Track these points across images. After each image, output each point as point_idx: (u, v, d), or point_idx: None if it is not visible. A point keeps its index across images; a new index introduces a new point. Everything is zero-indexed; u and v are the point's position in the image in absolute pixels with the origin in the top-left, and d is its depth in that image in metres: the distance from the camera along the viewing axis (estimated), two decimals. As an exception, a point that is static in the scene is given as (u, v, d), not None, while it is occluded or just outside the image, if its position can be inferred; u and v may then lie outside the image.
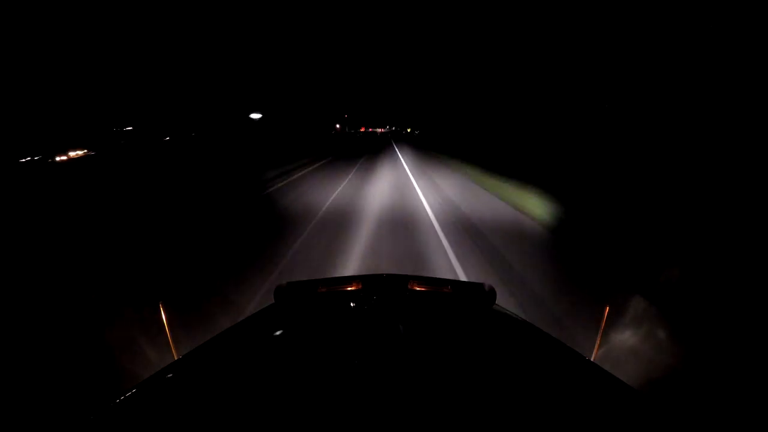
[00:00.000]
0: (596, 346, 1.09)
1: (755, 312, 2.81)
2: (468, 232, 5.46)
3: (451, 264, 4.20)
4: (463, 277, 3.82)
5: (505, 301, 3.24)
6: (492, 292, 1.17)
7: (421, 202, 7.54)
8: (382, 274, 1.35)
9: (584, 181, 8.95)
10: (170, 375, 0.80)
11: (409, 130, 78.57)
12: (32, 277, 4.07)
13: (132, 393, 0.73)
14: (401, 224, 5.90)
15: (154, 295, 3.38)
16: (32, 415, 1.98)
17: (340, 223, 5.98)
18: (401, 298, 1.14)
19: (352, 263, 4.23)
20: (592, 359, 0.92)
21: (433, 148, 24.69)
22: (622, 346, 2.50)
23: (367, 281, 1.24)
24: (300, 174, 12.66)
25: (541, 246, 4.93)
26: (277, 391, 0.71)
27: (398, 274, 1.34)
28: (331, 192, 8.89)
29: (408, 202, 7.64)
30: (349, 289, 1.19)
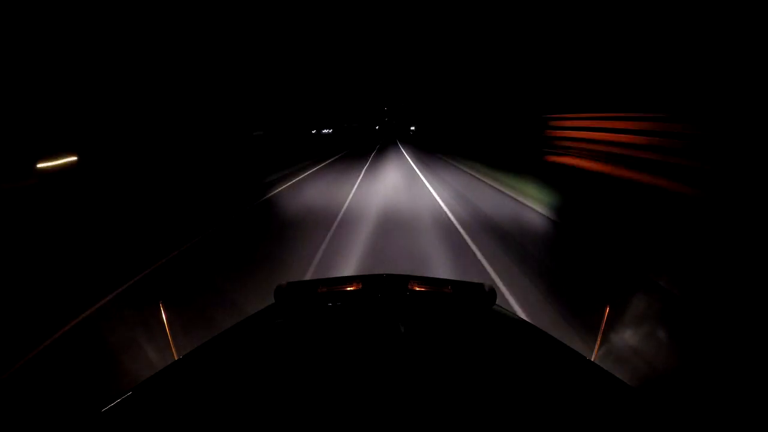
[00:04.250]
0: (596, 346, 1.09)
1: (755, 311, 2.80)
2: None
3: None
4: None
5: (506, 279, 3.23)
6: (492, 293, 1.17)
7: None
8: (383, 274, 1.34)
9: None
10: (170, 375, 0.81)
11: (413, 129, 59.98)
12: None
13: (132, 393, 0.73)
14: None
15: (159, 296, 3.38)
16: (34, 414, 1.98)
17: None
18: (401, 298, 1.14)
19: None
20: (592, 359, 0.92)
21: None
22: (622, 344, 2.49)
23: (368, 281, 1.24)
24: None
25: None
26: (277, 391, 0.71)
27: (398, 274, 1.33)
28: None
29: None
30: (349, 289, 1.19)
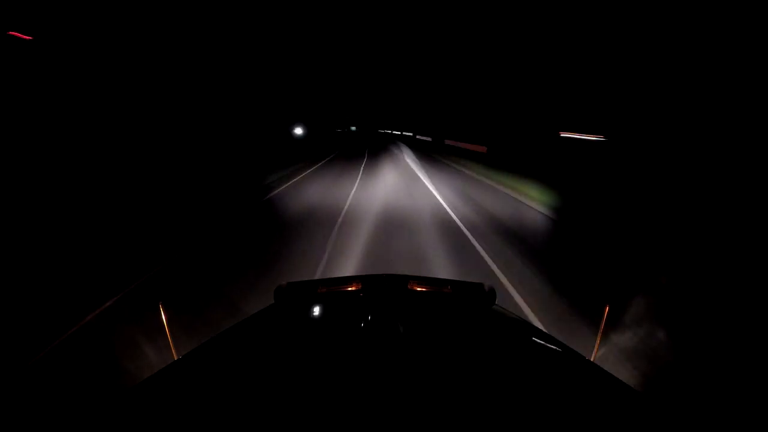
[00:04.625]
0: (596, 346, 1.09)
1: (754, 310, 2.81)
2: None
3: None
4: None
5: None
6: (492, 293, 1.17)
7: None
8: (382, 275, 1.34)
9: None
10: (170, 375, 0.80)
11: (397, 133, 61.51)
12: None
13: (132, 393, 0.73)
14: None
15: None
16: (33, 413, 1.98)
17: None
18: (401, 298, 1.14)
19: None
20: (591, 359, 0.92)
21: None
22: (622, 342, 2.49)
23: (367, 281, 1.24)
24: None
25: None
26: (277, 392, 0.71)
27: (398, 274, 1.34)
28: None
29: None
30: (349, 289, 1.19)
